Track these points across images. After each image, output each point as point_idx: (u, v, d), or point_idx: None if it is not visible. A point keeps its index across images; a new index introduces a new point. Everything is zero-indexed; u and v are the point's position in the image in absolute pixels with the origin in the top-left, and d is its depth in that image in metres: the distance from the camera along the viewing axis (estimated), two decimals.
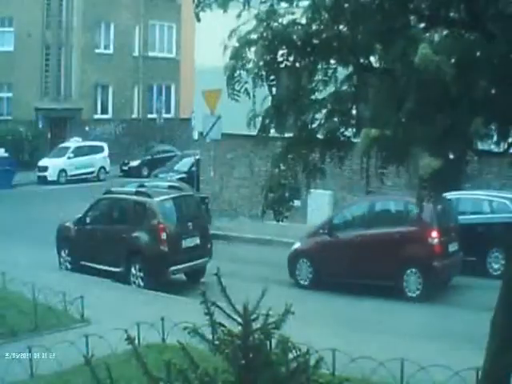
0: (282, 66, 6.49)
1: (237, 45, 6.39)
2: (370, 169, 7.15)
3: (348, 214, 17.41)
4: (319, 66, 6.56)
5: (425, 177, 5.65)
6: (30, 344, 9.95)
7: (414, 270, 15.34)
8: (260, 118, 6.83)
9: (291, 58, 6.42)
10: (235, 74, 6.48)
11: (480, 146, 6.43)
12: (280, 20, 6.37)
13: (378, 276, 15.36)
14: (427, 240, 15.37)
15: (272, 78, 6.53)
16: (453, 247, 16.07)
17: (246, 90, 6.64)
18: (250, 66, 6.38)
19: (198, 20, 6.86)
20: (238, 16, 6.45)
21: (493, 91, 6.05)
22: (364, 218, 16.73)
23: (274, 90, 6.70)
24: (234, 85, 6.57)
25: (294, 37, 6.26)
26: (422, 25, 6.20)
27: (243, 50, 6.34)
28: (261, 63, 6.30)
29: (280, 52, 6.39)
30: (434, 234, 15.39)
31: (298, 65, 6.51)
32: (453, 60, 5.68)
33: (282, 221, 7.16)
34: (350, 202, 19.10)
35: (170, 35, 46.88)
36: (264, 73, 6.43)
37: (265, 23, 6.32)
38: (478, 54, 5.79)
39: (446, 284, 16.18)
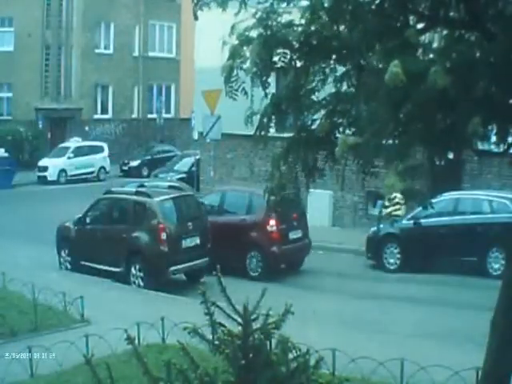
0: (278, 65, 6.48)
1: (236, 42, 6.38)
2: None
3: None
4: (317, 67, 6.56)
5: (387, 195, 5.71)
6: (30, 344, 9.94)
7: (255, 253, 17.58)
8: (258, 117, 6.82)
9: (287, 58, 6.41)
10: (233, 74, 6.48)
11: (480, 145, 6.42)
12: (277, 19, 6.36)
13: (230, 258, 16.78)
14: (266, 228, 17.50)
15: (266, 77, 6.51)
16: (295, 235, 18.08)
17: (243, 89, 6.63)
18: (248, 65, 6.37)
19: (196, 18, 6.84)
20: (237, 14, 6.44)
21: (492, 91, 6.05)
22: (217, 206, 18.73)
23: (267, 90, 6.68)
24: (231, 84, 6.57)
25: (290, 38, 6.26)
26: (422, 25, 6.19)
27: (241, 48, 6.34)
28: (257, 60, 6.30)
29: (276, 51, 6.38)
30: (272, 222, 17.46)
31: (295, 64, 6.51)
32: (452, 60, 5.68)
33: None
34: (207, 193, 20.73)
35: (169, 35, 46.86)
36: (260, 72, 6.42)
37: (262, 22, 6.31)
38: (478, 53, 5.79)
39: (295, 267, 18.15)
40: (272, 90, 6.83)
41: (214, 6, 6.70)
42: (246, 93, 6.67)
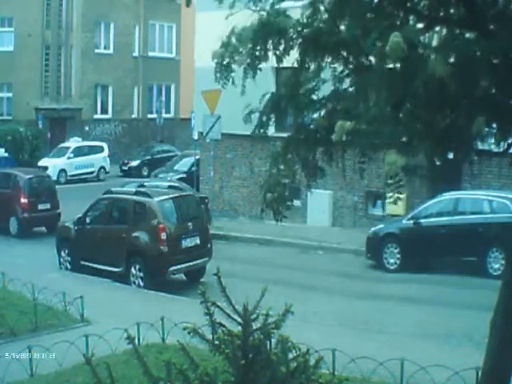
0: (271, 54, 6.45)
1: (233, 40, 6.37)
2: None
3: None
4: (316, 64, 6.54)
5: (390, 174, 5.67)
6: (29, 344, 9.93)
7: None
8: (256, 115, 6.80)
9: (281, 47, 6.39)
10: (224, 62, 6.47)
11: (480, 145, 6.42)
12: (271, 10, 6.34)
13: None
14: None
15: (259, 63, 6.48)
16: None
17: (233, 79, 6.62)
18: (240, 56, 6.36)
19: (188, 5, 6.75)
20: (231, 7, 6.41)
21: (493, 90, 6.05)
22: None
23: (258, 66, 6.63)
24: (222, 72, 6.56)
25: (286, 26, 6.24)
26: (421, 25, 6.19)
27: (234, 39, 6.32)
28: (249, 45, 6.28)
29: (271, 40, 6.35)
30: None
31: (295, 60, 6.49)
32: (452, 59, 5.68)
33: (281, 221, 7.13)
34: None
35: (169, 35, 46.87)
36: (253, 60, 6.41)
37: (255, 11, 6.30)
38: (478, 53, 5.78)
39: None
40: (272, 89, 6.82)
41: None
42: (233, 82, 6.62)
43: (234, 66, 6.52)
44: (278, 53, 6.44)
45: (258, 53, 6.38)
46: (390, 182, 5.92)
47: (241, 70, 6.57)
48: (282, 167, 6.84)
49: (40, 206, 23.10)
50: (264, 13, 6.32)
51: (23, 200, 22.90)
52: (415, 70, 5.45)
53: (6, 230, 22.84)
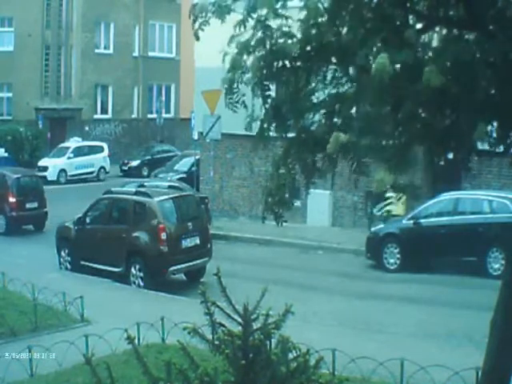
0: (278, 75, 6.47)
1: (235, 50, 6.36)
2: None
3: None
4: (317, 68, 6.54)
5: (378, 191, 5.70)
6: (29, 344, 9.94)
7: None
8: (258, 122, 6.81)
9: (287, 68, 6.41)
10: (233, 86, 6.47)
11: (480, 146, 6.42)
12: (275, 34, 6.33)
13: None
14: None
15: (267, 85, 6.50)
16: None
17: (243, 102, 6.64)
18: (249, 75, 6.37)
19: (197, 39, 6.80)
20: (236, 26, 6.41)
21: (493, 91, 6.04)
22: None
23: (268, 98, 6.67)
24: (232, 97, 6.57)
25: (290, 50, 6.25)
26: (421, 25, 6.19)
27: (241, 59, 6.32)
28: (257, 75, 6.29)
29: (276, 63, 6.37)
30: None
31: (296, 66, 6.50)
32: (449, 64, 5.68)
33: (282, 224, 7.14)
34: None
35: (169, 35, 46.86)
36: (261, 84, 6.42)
37: (260, 36, 6.30)
38: (478, 53, 5.78)
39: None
40: (271, 93, 6.81)
41: (212, 20, 6.65)
42: (245, 106, 6.66)
43: (242, 88, 6.53)
44: (284, 77, 6.46)
45: (265, 81, 6.40)
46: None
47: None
48: (283, 170, 6.85)
49: (28, 205, 23.54)
50: (267, 39, 6.31)
51: (11, 199, 23.25)
52: (408, 78, 5.47)
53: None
